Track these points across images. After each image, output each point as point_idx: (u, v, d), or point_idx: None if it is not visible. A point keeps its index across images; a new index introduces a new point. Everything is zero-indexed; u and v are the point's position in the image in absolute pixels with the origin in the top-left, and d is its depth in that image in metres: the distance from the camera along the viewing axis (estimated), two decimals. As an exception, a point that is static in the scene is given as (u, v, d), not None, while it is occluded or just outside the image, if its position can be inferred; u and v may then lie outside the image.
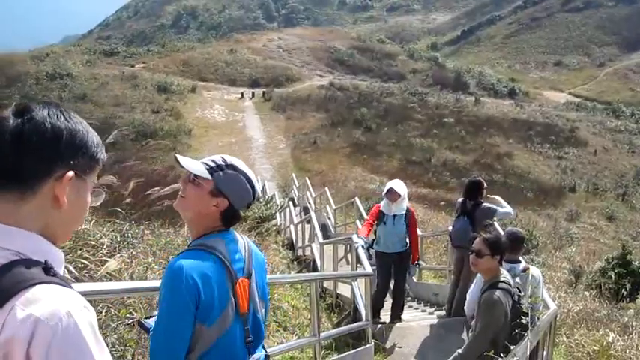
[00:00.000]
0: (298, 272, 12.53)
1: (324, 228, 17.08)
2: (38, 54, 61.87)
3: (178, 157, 2.61)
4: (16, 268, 1.34)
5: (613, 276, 15.46)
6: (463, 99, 63.58)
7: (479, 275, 5.46)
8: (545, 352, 6.25)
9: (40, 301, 1.28)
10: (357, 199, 16.64)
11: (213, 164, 2.62)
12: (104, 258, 5.45)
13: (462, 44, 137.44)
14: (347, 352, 6.95)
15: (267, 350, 2.85)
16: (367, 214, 10.29)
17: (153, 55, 75.06)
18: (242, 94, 60.52)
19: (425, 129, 51.11)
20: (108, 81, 54.73)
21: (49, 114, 1.47)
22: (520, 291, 5.12)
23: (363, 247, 8.55)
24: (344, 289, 10.15)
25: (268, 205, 16.05)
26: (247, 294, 2.60)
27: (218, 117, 51.78)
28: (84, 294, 1.42)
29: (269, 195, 19.39)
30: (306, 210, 20.56)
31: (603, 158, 51.87)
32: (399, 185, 8.94)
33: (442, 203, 29.79)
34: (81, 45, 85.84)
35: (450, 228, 9.81)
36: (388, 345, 8.26)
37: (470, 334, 5.30)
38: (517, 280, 5.50)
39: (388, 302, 9.57)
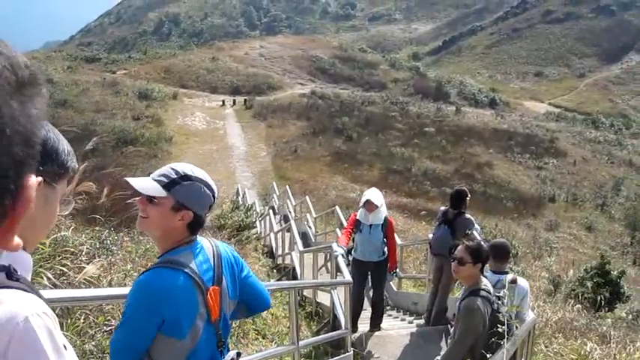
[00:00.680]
0: (278, 280, 12.50)
1: (304, 236, 17.06)
2: (19, 59, 61.34)
3: (130, 180, 2.56)
4: None
5: (590, 286, 15.54)
6: (444, 109, 64.05)
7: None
8: (523, 361, 6.27)
9: None
10: (337, 207, 16.64)
11: (166, 180, 2.55)
12: (83, 265, 5.42)
13: (444, 54, 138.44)
14: (326, 361, 6.95)
15: (246, 359, 2.87)
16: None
17: (134, 62, 74.96)
18: (223, 101, 60.45)
19: (406, 138, 51.28)
20: (89, 87, 54.50)
21: None
22: (499, 300, 5.14)
23: (343, 255, 8.56)
24: (323, 298, 10.12)
25: (248, 213, 16.01)
26: (219, 300, 2.64)
27: (199, 124, 51.65)
28: (62, 301, 1.41)
29: (249, 203, 19.32)
30: (286, 218, 20.52)
31: (583, 168, 52.27)
32: (376, 196, 8.93)
33: (422, 212, 29.83)
34: (62, 51, 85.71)
35: (431, 236, 9.85)
36: (367, 354, 8.27)
37: (449, 341, 5.32)
38: (504, 291, 5.54)
39: (367, 311, 9.58)
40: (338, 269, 8.51)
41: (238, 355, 2.75)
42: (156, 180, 2.56)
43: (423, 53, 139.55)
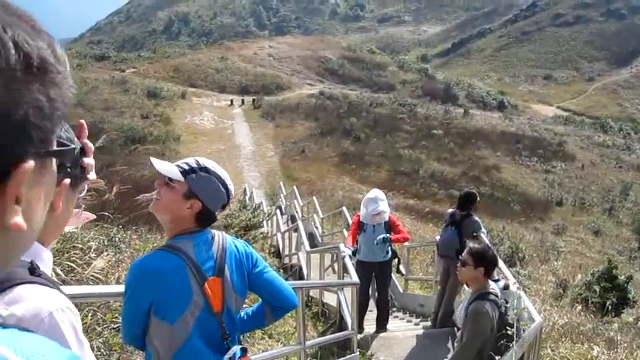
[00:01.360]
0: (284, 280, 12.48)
1: (311, 237, 17.04)
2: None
3: (153, 160, 2.67)
4: None
5: (597, 290, 15.49)
6: (452, 111, 63.89)
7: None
8: (529, 365, 6.25)
9: (23, 301, 1.28)
10: (344, 208, 16.62)
11: (186, 167, 2.67)
12: (91, 261, 5.43)
13: (452, 56, 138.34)
14: (332, 361, 6.95)
15: (252, 358, 2.89)
16: (351, 224, 10.29)
17: (143, 61, 74.99)
18: (231, 101, 60.41)
19: (413, 140, 51.15)
20: (98, 85, 54.45)
21: None
22: (507, 303, 5.13)
23: (350, 256, 8.55)
24: (330, 298, 10.11)
25: (256, 213, 16.02)
26: (220, 292, 2.67)
27: (207, 123, 51.63)
28: (70, 297, 1.42)
29: (257, 202, 19.32)
30: (293, 218, 20.53)
31: (591, 173, 52.12)
32: (381, 204, 8.95)
33: (429, 215, 29.77)
34: (71, 49, 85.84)
35: (438, 238, 9.84)
36: (372, 355, 8.25)
37: (456, 344, 5.31)
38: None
39: (374, 312, 9.57)
40: (345, 270, 8.50)
41: (244, 350, 2.75)
42: (177, 165, 2.67)
43: (431, 55, 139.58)
